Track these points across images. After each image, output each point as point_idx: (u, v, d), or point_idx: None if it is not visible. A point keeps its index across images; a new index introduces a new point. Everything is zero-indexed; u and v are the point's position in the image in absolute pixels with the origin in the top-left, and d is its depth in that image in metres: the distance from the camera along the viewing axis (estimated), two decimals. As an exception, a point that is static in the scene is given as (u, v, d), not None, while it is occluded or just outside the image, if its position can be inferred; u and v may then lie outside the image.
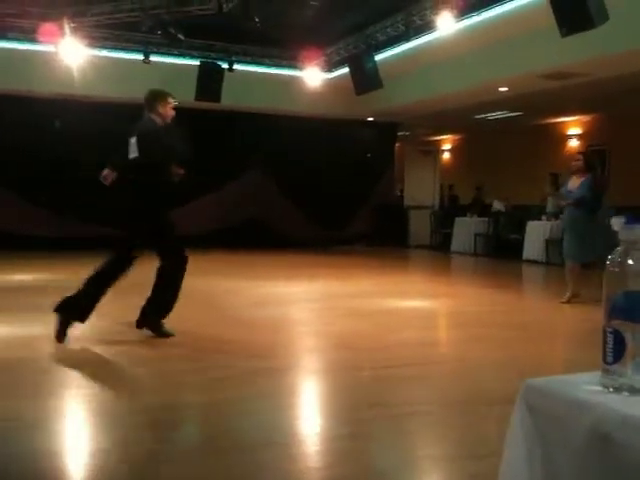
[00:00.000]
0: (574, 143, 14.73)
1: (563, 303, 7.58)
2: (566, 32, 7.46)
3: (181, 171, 5.61)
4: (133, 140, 5.36)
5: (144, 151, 5.33)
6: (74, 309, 5.18)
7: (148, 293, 5.46)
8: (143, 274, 5.39)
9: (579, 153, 7.94)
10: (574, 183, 7.67)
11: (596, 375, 1.32)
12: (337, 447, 3.19)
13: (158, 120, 5.51)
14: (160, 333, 5.37)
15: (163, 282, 5.44)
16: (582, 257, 7.59)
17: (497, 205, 15.00)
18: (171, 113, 5.62)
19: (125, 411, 3.66)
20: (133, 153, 5.39)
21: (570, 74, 9.87)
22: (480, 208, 15.54)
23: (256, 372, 4.49)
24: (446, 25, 8.90)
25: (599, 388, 1.29)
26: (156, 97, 5.59)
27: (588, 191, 7.47)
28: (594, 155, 8.20)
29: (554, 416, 1.31)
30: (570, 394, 1.30)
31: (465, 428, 3.54)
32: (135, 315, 5.49)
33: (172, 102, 5.63)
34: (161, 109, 5.54)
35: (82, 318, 5.20)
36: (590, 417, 1.22)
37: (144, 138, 5.36)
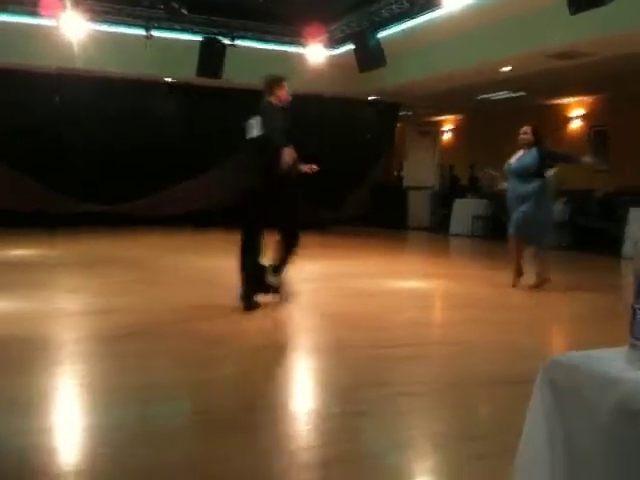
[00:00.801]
0: (577, 124, 14.65)
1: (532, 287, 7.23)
2: (575, 10, 7.38)
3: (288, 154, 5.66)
4: (254, 120, 5.82)
5: (265, 129, 5.71)
6: (252, 295, 5.68)
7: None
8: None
9: (528, 126, 7.48)
10: (518, 155, 7.33)
11: (622, 351, 1.29)
12: (334, 425, 3.16)
13: (275, 102, 5.98)
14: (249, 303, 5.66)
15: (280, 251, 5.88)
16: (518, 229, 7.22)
17: (492, 172, 14.48)
18: (286, 97, 6.11)
19: (118, 388, 3.62)
20: (254, 132, 5.82)
21: (575, 53, 9.78)
22: (475, 186, 15.42)
23: (255, 350, 4.47)
24: (451, 2, 8.80)
25: (626, 364, 1.26)
26: (273, 81, 6.13)
27: (533, 163, 7.11)
28: (541, 130, 7.62)
29: (578, 392, 1.29)
30: (595, 370, 1.27)
31: (464, 409, 3.52)
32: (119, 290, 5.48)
33: (286, 86, 6.12)
34: (278, 92, 6.03)
35: (267, 290, 5.80)
36: (617, 393, 1.19)
37: (264, 117, 5.79)
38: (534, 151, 7.21)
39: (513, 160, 7.36)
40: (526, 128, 7.43)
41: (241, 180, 6.18)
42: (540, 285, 7.25)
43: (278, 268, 5.94)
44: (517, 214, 7.16)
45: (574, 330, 5.83)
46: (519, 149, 7.40)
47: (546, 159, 7.21)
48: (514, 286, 7.28)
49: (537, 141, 7.31)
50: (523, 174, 7.14)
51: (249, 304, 5.67)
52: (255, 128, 5.82)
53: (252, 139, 5.84)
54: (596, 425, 1.23)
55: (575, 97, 14.48)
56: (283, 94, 6.07)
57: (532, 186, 7.09)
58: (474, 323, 5.71)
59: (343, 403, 3.49)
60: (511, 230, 7.29)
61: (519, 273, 7.38)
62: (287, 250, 5.93)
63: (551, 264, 7.41)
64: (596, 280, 8.73)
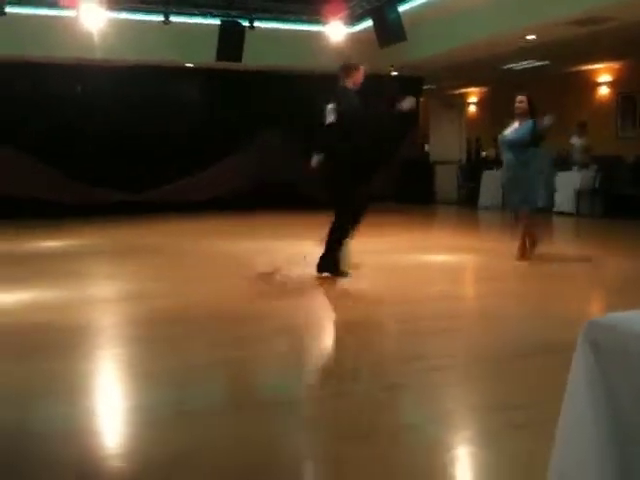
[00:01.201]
0: (604, 91, 14.35)
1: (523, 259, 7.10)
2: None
3: None
4: (330, 106, 6.05)
5: (342, 115, 5.96)
6: (329, 264, 6.11)
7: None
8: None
9: (523, 95, 7.29)
10: (513, 127, 7.17)
11: (664, 310, 1.26)
12: (371, 399, 3.17)
13: (350, 86, 6.18)
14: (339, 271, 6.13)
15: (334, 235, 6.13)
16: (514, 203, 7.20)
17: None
18: (360, 79, 6.27)
19: (154, 371, 3.66)
20: (331, 118, 6.05)
21: (600, 19, 9.54)
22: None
23: (288, 328, 4.48)
24: (472, -29, 8.63)
25: (669, 322, 1.23)
26: (350, 66, 6.31)
27: (528, 135, 6.97)
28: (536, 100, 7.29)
29: (621, 353, 1.26)
30: (637, 328, 1.24)
31: (499, 380, 3.50)
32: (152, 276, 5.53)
33: (362, 71, 6.29)
34: (355, 76, 6.22)
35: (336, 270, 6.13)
36: (661, 353, 1.16)
37: (341, 102, 6.03)
38: (530, 123, 7.06)
39: (508, 132, 7.19)
40: (521, 97, 7.25)
41: (322, 166, 6.27)
42: (531, 249, 7.10)
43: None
44: (513, 187, 7.07)
45: (609, 298, 5.76)
46: (515, 119, 7.23)
47: (541, 131, 7.09)
48: (528, 259, 7.10)
49: (532, 111, 7.15)
50: (517, 146, 7.01)
51: (339, 271, 6.12)
52: (332, 114, 6.04)
53: (330, 124, 6.06)
54: (638, 385, 1.20)
55: (601, 63, 14.17)
56: (358, 78, 6.25)
57: (527, 155, 6.97)
58: (505, 295, 5.67)
59: (379, 377, 3.50)
60: (513, 205, 7.25)
61: (533, 245, 7.23)
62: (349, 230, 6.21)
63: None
64: (629, 247, 8.59)
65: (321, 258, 6.20)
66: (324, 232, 6.17)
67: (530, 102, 7.17)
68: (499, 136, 7.30)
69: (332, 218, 6.15)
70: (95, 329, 4.74)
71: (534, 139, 7.03)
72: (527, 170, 6.98)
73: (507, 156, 7.18)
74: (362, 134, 6.17)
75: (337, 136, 6.01)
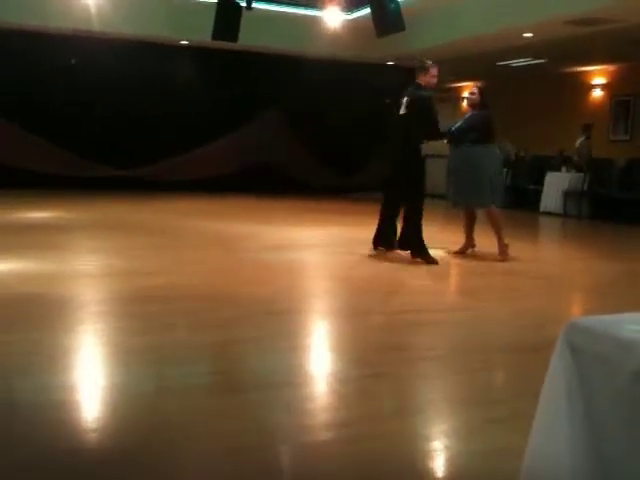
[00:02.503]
0: (598, 93, 14.40)
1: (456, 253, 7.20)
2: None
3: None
4: (404, 99, 6.60)
5: (413, 109, 6.49)
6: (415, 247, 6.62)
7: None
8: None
9: (475, 86, 7.24)
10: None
11: (644, 315, 1.28)
12: (353, 388, 3.19)
13: (425, 84, 6.68)
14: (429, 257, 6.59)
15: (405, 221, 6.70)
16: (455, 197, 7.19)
17: (508, 147, 14.21)
18: (434, 80, 6.76)
19: (138, 347, 3.67)
20: (402, 110, 6.61)
21: (597, 20, 9.56)
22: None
23: (271, 313, 4.49)
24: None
25: (647, 328, 1.25)
26: (427, 65, 6.73)
27: (479, 123, 6.87)
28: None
29: (598, 356, 1.28)
30: (616, 333, 1.26)
31: (480, 374, 3.54)
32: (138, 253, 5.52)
33: (434, 70, 6.72)
34: (431, 74, 6.69)
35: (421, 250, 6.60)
36: (636, 357, 1.18)
37: (413, 99, 6.54)
38: (479, 113, 6.96)
39: (459, 124, 7.06)
40: (474, 88, 7.19)
41: (390, 154, 6.87)
42: (502, 253, 7.03)
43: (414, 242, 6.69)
44: (459, 182, 7.01)
45: (593, 298, 5.82)
46: (465, 112, 7.22)
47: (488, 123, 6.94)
48: (462, 253, 7.19)
49: (483, 103, 7.02)
50: (465, 131, 6.88)
51: (429, 258, 6.54)
52: (403, 107, 6.59)
53: (400, 116, 6.61)
54: (616, 388, 1.22)
55: (597, 66, 14.21)
56: (428, 79, 6.70)
57: (477, 151, 6.83)
58: (490, 290, 5.71)
59: (361, 366, 3.52)
60: (457, 200, 7.22)
61: (469, 244, 7.27)
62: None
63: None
64: (616, 249, 8.68)
65: (408, 242, 6.67)
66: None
67: (482, 93, 7.06)
68: (450, 128, 7.06)
69: (405, 203, 6.67)
70: (79, 303, 4.73)
71: (484, 128, 6.88)
72: (477, 169, 6.82)
73: (455, 149, 7.03)
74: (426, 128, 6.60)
75: (410, 125, 6.49)
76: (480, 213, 7.33)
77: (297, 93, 13.80)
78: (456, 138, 6.95)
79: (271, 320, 4.35)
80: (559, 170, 12.87)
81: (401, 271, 6.38)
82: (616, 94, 13.88)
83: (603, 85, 14.31)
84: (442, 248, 7.32)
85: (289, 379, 3.26)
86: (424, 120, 6.50)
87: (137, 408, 2.84)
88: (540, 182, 13.05)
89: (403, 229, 6.77)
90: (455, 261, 7.11)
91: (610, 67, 14.09)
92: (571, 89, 14.78)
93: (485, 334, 4.30)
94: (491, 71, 15.45)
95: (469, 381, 3.40)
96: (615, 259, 7.70)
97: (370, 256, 6.89)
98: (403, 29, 10.21)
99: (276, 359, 3.62)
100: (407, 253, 6.71)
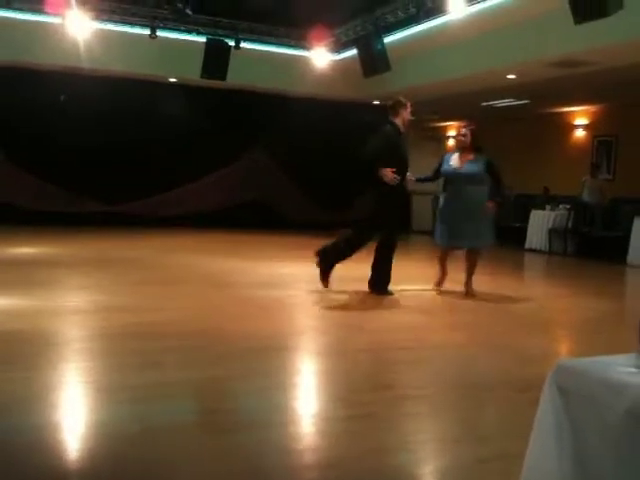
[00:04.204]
0: (580, 133, 14.65)
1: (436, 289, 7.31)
2: (580, 20, 7.37)
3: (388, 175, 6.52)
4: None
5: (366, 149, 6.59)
6: (326, 258, 6.83)
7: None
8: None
9: (465, 127, 7.18)
10: (459, 160, 7.01)
11: (631, 357, 1.29)
12: (338, 428, 3.17)
13: (399, 123, 6.70)
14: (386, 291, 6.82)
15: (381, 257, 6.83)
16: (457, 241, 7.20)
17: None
18: (409, 118, 6.79)
19: (124, 385, 3.64)
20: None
21: (579, 62, 9.77)
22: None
23: (257, 351, 4.47)
24: (457, 8, 8.79)
25: (635, 370, 1.26)
26: (400, 103, 6.72)
27: (484, 170, 6.92)
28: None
29: (587, 397, 1.28)
30: (605, 375, 1.27)
31: (468, 412, 3.53)
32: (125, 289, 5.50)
33: (409, 108, 6.75)
34: (403, 113, 6.70)
35: (327, 267, 6.82)
36: (627, 399, 1.18)
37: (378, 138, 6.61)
38: (483, 162, 6.99)
39: (452, 163, 7.07)
40: (465, 131, 7.15)
41: (373, 192, 6.84)
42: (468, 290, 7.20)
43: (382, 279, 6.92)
44: (461, 223, 7.00)
45: (579, 336, 5.84)
46: (454, 151, 7.25)
47: (489, 169, 7.01)
48: (437, 286, 7.34)
49: (475, 145, 7.07)
50: (474, 181, 6.94)
51: (387, 291, 6.77)
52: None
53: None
54: (606, 430, 1.23)
55: (579, 106, 14.47)
56: (407, 115, 6.72)
57: (481, 193, 6.95)
58: (476, 327, 5.72)
59: (347, 405, 3.50)
60: (448, 242, 7.25)
61: (445, 276, 7.38)
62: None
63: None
64: (600, 287, 8.74)
65: (375, 278, 6.86)
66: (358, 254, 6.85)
67: (473, 136, 7.08)
68: (448, 167, 7.09)
69: (381, 238, 6.82)
70: (65, 340, 4.68)
71: (490, 175, 7.00)
72: (478, 208, 6.93)
73: (455, 191, 7.06)
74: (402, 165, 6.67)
75: (368, 167, 6.59)
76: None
77: (284, 131, 13.93)
78: (473, 184, 6.98)
79: (258, 357, 4.33)
80: (543, 208, 13.00)
81: (389, 308, 6.38)
82: (598, 134, 14.12)
83: (585, 125, 14.56)
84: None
85: (276, 418, 3.23)
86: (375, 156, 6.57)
87: (122, 447, 2.80)
88: (525, 220, 13.17)
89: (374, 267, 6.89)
90: (436, 297, 7.13)
91: (592, 108, 14.36)
92: (554, 129, 15.02)
93: (473, 372, 4.29)
94: (475, 111, 15.70)
95: (457, 420, 3.39)
96: (600, 296, 7.75)
97: (357, 293, 6.89)
98: (389, 69, 10.41)
99: (262, 398, 3.59)
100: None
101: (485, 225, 7.05)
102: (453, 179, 7.07)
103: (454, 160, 7.10)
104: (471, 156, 7.01)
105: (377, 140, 6.62)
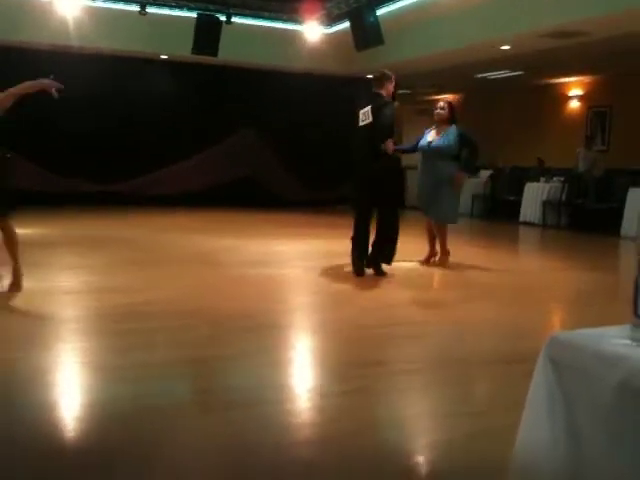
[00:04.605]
0: (575, 104, 14.58)
1: (422, 263, 7.33)
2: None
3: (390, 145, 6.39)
4: (366, 110, 6.46)
5: (377, 118, 6.34)
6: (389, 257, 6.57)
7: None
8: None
9: (443, 101, 7.21)
10: (435, 134, 7.06)
11: (625, 329, 1.28)
12: (334, 404, 3.17)
13: (385, 94, 6.56)
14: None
15: (385, 233, 6.55)
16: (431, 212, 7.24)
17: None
18: (393, 90, 6.71)
19: (117, 365, 3.63)
20: (366, 121, 6.45)
21: (574, 33, 9.69)
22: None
23: (251, 329, 4.47)
24: (450, -21, 8.69)
25: (629, 342, 1.25)
26: (385, 76, 6.62)
27: (456, 141, 6.92)
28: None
29: (580, 370, 1.27)
30: (598, 348, 1.25)
31: (462, 386, 3.54)
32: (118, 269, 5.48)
33: (394, 78, 6.67)
34: (389, 86, 6.59)
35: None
36: (620, 372, 1.17)
37: (379, 108, 6.39)
38: (454, 130, 6.98)
39: (429, 138, 7.10)
40: (443, 104, 7.17)
41: (357, 166, 6.69)
42: (442, 260, 7.25)
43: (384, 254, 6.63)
44: (429, 196, 7.10)
45: (573, 309, 5.86)
46: (432, 125, 7.22)
47: (463, 140, 6.99)
48: (425, 263, 7.33)
49: (454, 119, 7.07)
50: (442, 155, 6.97)
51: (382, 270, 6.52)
52: (367, 117, 6.45)
53: (364, 127, 6.45)
54: (599, 403, 1.22)
55: (573, 77, 14.39)
56: (392, 88, 6.65)
57: (449, 169, 6.97)
58: (471, 302, 5.72)
59: (341, 381, 3.50)
60: (422, 206, 7.34)
61: (432, 253, 7.41)
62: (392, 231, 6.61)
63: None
64: (594, 260, 8.75)
65: (380, 253, 6.57)
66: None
67: (451, 109, 7.10)
68: (422, 142, 7.16)
69: (381, 215, 6.56)
70: (58, 321, 4.66)
71: (463, 146, 6.99)
72: (445, 182, 6.97)
73: (427, 164, 7.11)
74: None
75: (369, 139, 6.39)
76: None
77: (276, 107, 13.82)
78: (443, 157, 7.00)
79: (251, 336, 4.32)
80: (537, 180, 12.98)
81: (379, 284, 6.37)
82: (592, 105, 14.06)
83: (580, 96, 14.49)
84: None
85: (270, 395, 3.23)
86: (388, 128, 6.37)
87: (115, 427, 2.80)
88: (519, 192, 13.15)
89: (375, 244, 6.60)
90: (430, 272, 7.13)
91: (586, 79, 14.28)
92: (548, 100, 14.95)
93: (465, 346, 4.30)
94: (470, 83, 15.61)
95: (450, 394, 3.40)
96: (594, 269, 7.75)
97: (347, 270, 6.86)
98: (382, 43, 10.30)
99: (257, 375, 3.59)
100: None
101: (449, 202, 7.06)
102: (425, 153, 7.14)
103: (431, 135, 7.14)
104: (446, 130, 7.01)
105: (387, 112, 6.41)
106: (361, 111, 6.50)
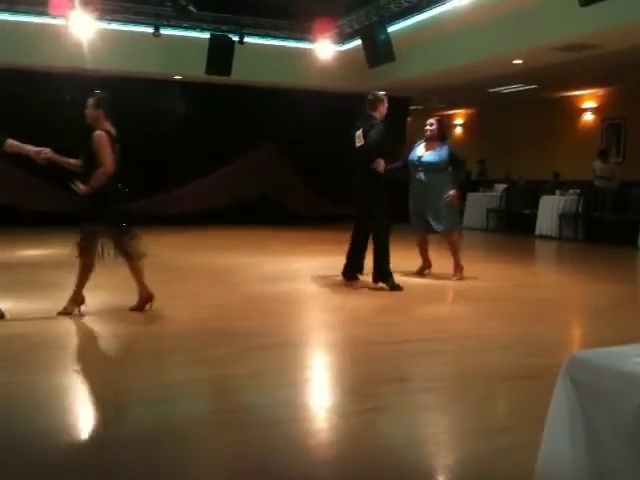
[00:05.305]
0: (589, 117, 14.54)
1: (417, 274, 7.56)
2: (585, 2, 7.30)
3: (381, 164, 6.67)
4: (358, 132, 6.74)
5: (367, 139, 6.60)
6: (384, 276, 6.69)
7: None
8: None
9: (433, 118, 7.48)
10: (424, 149, 7.29)
11: (645, 347, 1.27)
12: (352, 422, 3.15)
13: (377, 117, 6.74)
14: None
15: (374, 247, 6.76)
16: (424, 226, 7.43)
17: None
18: (385, 111, 6.85)
19: (134, 386, 3.64)
20: (360, 142, 6.72)
21: (586, 46, 9.69)
22: (487, 182, 15.48)
23: (268, 347, 4.46)
24: (461, -5, 8.73)
25: (650, 361, 1.24)
26: (378, 99, 6.83)
27: (447, 159, 7.17)
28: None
29: (601, 390, 1.26)
30: (619, 367, 1.24)
31: (482, 403, 3.51)
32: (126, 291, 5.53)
33: (386, 102, 6.86)
34: (381, 108, 6.80)
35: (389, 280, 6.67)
36: (641, 391, 1.17)
37: (368, 130, 6.62)
38: (445, 148, 7.24)
39: (418, 152, 7.33)
40: (432, 121, 7.40)
41: (354, 183, 6.92)
42: (457, 273, 7.36)
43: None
44: (421, 209, 7.32)
45: (591, 323, 5.80)
46: (422, 140, 7.43)
47: (452, 158, 7.26)
48: (418, 275, 7.54)
49: (442, 135, 7.34)
50: (436, 168, 7.17)
51: (393, 284, 6.64)
52: (360, 140, 6.73)
53: (360, 148, 6.73)
54: (620, 422, 1.21)
55: (586, 90, 14.37)
56: (384, 110, 6.83)
57: (441, 181, 7.15)
58: (489, 316, 5.69)
59: (361, 399, 3.48)
60: (416, 226, 7.54)
61: (426, 265, 7.62)
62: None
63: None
64: (612, 272, 8.68)
65: (377, 270, 6.72)
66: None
67: (440, 126, 7.34)
68: (412, 156, 7.37)
69: (371, 233, 6.78)
70: (74, 342, 4.69)
71: (452, 163, 7.24)
72: (438, 194, 7.14)
73: (421, 177, 7.27)
74: (387, 157, 6.82)
75: (369, 157, 6.60)
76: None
77: (290, 124, 13.88)
78: (433, 172, 7.21)
79: (269, 354, 4.32)
80: (553, 193, 12.92)
81: (395, 300, 6.35)
82: (607, 117, 14.02)
83: (594, 109, 14.46)
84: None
85: (289, 415, 3.22)
86: (379, 149, 6.61)
87: (134, 447, 2.80)
88: (534, 206, 13.10)
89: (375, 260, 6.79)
90: (446, 287, 7.11)
91: (600, 91, 14.26)
92: (562, 113, 14.93)
93: (486, 362, 4.27)
94: (483, 98, 15.62)
95: (472, 411, 3.37)
96: (612, 282, 7.69)
97: (362, 286, 6.85)
98: (394, 60, 10.34)
99: (275, 394, 3.58)
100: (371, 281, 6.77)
101: (447, 211, 7.25)
102: (416, 167, 7.31)
103: (420, 149, 7.35)
104: (436, 145, 7.25)
105: (379, 133, 6.64)
106: (356, 133, 6.77)
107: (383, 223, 6.75)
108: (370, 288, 6.71)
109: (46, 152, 5.28)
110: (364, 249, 6.97)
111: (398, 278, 6.80)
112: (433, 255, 7.77)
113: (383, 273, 6.67)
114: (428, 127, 7.31)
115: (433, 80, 12.82)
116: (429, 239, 7.66)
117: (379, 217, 6.73)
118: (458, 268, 7.36)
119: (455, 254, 7.40)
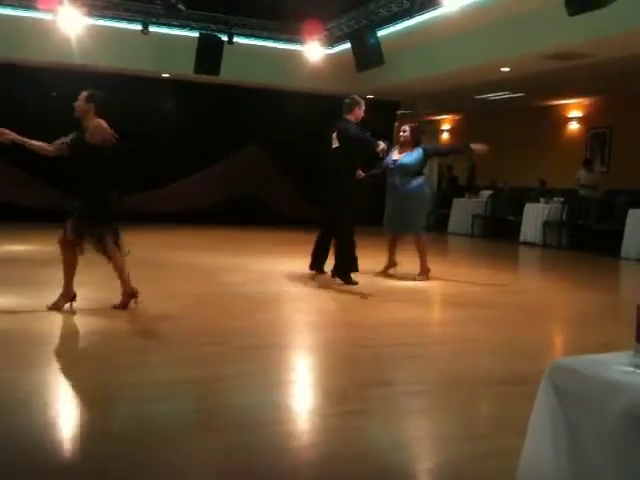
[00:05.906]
0: (574, 126, 14.66)
1: (381, 273, 7.79)
2: (573, 12, 7.34)
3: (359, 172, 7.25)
4: (334, 134, 7.07)
5: (343, 141, 6.95)
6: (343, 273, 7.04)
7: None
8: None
9: (407, 125, 7.90)
10: (398, 154, 7.63)
11: (627, 355, 1.27)
12: (334, 425, 3.16)
13: (352, 119, 7.07)
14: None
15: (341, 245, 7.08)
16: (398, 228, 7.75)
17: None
18: (362, 115, 7.14)
19: (114, 385, 3.62)
20: (335, 144, 7.07)
21: (574, 55, 9.77)
22: (474, 189, 15.54)
23: (253, 348, 4.45)
24: (451, 1, 8.76)
25: (631, 369, 1.24)
26: (355, 103, 7.15)
27: (421, 161, 7.53)
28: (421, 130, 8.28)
29: (583, 397, 1.27)
30: (601, 375, 1.25)
31: (465, 408, 3.52)
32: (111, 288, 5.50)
33: (363, 104, 7.17)
34: (357, 111, 7.11)
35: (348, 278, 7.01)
36: (623, 399, 1.17)
37: (343, 132, 6.97)
38: (419, 152, 7.57)
39: (393, 157, 7.64)
40: (405, 127, 7.79)
41: (329, 183, 7.20)
42: (423, 274, 7.63)
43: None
44: (393, 211, 7.67)
45: (574, 330, 5.84)
46: (398, 145, 7.80)
47: (428, 157, 7.75)
48: (383, 273, 7.79)
49: (418, 141, 7.71)
50: (411, 171, 7.51)
51: (349, 280, 6.95)
52: (334, 142, 7.07)
53: (335, 149, 7.07)
54: (602, 430, 1.22)
55: (573, 99, 14.48)
56: (360, 113, 7.13)
57: (413, 184, 7.50)
58: (472, 321, 5.71)
59: (343, 402, 3.48)
60: (388, 227, 7.87)
61: (391, 264, 7.89)
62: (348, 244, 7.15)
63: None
64: (595, 280, 8.75)
65: (338, 266, 7.07)
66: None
67: (413, 133, 7.67)
68: (387, 160, 7.65)
69: (337, 230, 7.07)
70: (57, 339, 4.65)
71: (421, 167, 7.61)
72: (409, 198, 7.49)
73: (395, 181, 7.58)
74: (360, 159, 7.24)
75: (341, 158, 6.97)
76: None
77: (278, 125, 13.87)
78: (408, 175, 7.55)
79: (253, 355, 4.31)
80: (538, 201, 13.01)
81: (381, 303, 6.36)
82: (592, 127, 14.13)
83: (579, 118, 14.57)
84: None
85: (273, 416, 3.22)
86: (355, 144, 6.96)
87: (116, 447, 2.78)
88: (519, 213, 13.18)
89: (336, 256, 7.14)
90: (432, 292, 7.14)
91: (585, 100, 14.37)
92: (548, 122, 15.03)
93: (466, 367, 4.28)
94: (470, 104, 15.70)
95: (454, 416, 3.38)
96: (594, 290, 7.75)
97: (353, 289, 6.87)
98: (383, 64, 10.36)
99: (259, 396, 3.58)
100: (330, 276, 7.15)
101: (416, 213, 7.60)
102: (391, 171, 7.66)
103: (395, 154, 7.69)
104: (410, 150, 7.61)
105: (346, 136, 6.96)
106: (332, 135, 7.10)
107: (350, 222, 7.03)
108: (354, 293, 6.72)
109: (8, 133, 5.18)
110: (330, 242, 7.24)
111: (370, 279, 7.19)
112: (403, 256, 7.88)
113: (343, 271, 7.00)
114: (402, 133, 7.74)
115: (421, 85, 12.88)
116: (400, 241, 7.94)
117: (347, 217, 6.99)
118: (424, 269, 7.65)
119: (422, 256, 7.69)
